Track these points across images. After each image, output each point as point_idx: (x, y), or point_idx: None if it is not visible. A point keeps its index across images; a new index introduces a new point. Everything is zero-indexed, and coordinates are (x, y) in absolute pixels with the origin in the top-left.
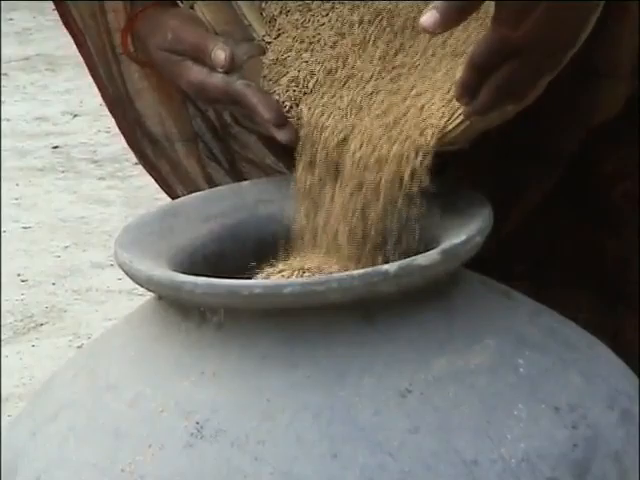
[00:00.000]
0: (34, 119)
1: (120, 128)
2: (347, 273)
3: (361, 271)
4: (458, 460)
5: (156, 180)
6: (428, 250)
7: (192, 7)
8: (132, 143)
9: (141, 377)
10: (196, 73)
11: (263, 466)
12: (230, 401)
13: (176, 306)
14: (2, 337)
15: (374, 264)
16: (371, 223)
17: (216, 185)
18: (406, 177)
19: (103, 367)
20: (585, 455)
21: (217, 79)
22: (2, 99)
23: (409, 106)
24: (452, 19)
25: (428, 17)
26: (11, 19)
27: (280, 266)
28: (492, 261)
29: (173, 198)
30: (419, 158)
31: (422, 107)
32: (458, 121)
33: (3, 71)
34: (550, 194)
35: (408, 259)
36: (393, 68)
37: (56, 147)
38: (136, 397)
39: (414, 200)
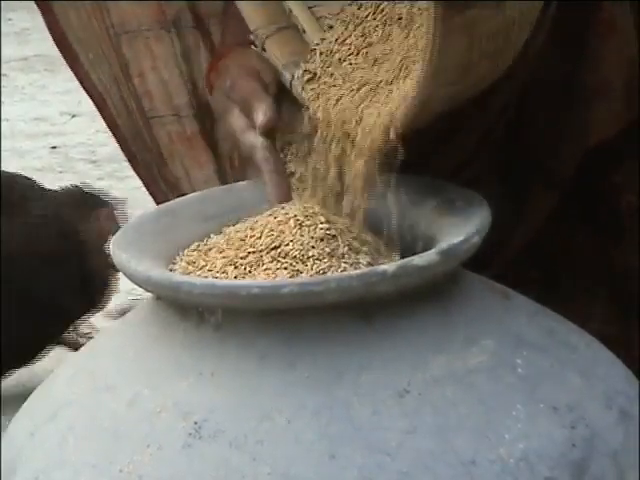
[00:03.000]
0: (33, 119)
1: (150, 191)
2: (345, 274)
3: (359, 271)
4: (456, 460)
5: None
6: (426, 250)
7: (264, 48)
8: None
9: (139, 377)
10: (237, 122)
11: (261, 466)
12: (228, 401)
13: (174, 306)
14: None
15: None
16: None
17: None
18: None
19: (102, 367)
20: (583, 455)
21: (248, 138)
22: (1, 99)
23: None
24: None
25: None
26: (10, 19)
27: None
28: (505, 268)
29: None
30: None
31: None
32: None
33: (2, 71)
34: (562, 206)
35: (406, 259)
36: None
37: (54, 147)
38: (134, 397)
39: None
